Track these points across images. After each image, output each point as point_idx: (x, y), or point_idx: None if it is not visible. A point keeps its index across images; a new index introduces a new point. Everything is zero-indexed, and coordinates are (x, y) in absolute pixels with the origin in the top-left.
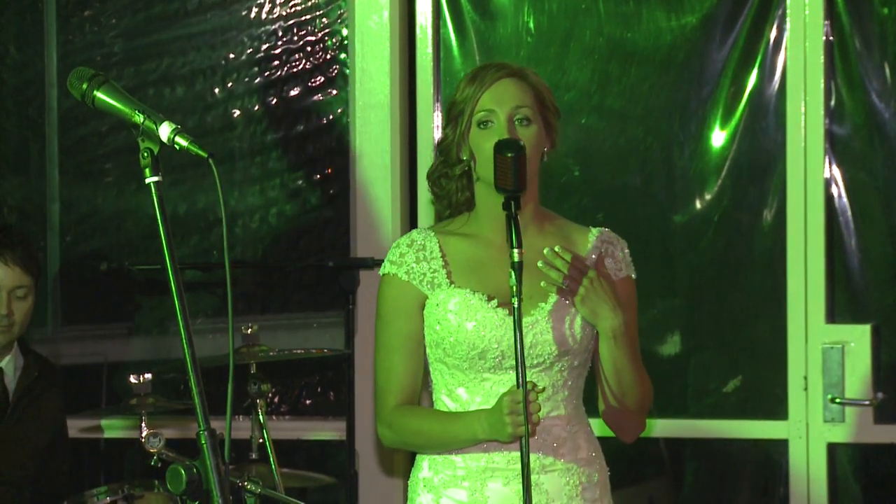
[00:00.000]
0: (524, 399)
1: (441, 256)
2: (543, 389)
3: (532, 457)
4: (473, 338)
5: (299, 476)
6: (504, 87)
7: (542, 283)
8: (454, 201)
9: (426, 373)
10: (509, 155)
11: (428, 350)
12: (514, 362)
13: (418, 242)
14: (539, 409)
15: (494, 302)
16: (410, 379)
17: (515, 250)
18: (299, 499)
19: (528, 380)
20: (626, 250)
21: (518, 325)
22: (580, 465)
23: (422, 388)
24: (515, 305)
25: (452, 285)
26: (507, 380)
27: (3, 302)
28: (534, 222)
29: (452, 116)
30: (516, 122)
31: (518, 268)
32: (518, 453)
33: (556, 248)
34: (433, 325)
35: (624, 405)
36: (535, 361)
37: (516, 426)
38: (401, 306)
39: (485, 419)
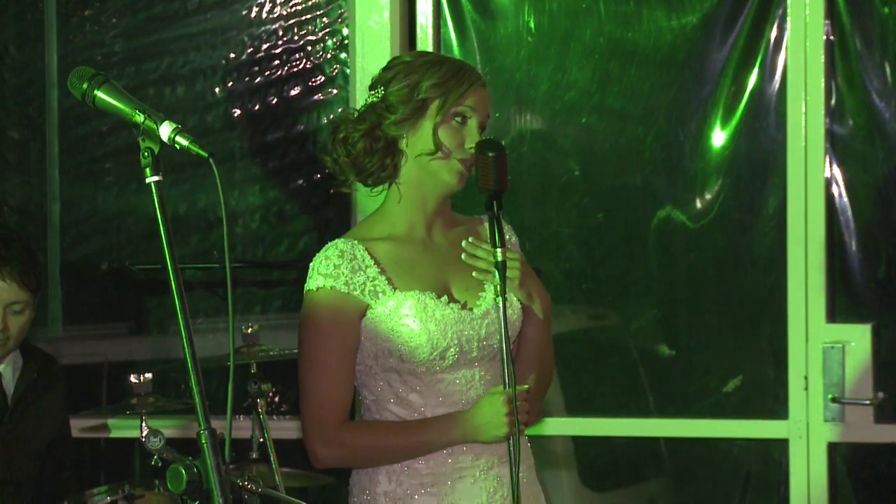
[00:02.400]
0: (514, 398)
1: (375, 263)
2: (528, 388)
3: (490, 449)
4: (436, 338)
5: (300, 475)
6: (483, 96)
7: (474, 274)
8: (365, 170)
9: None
10: (490, 154)
11: (371, 362)
12: (469, 358)
13: (347, 252)
14: (528, 409)
15: (445, 298)
16: (349, 394)
17: (499, 250)
18: (300, 498)
19: (477, 373)
20: (514, 234)
21: (504, 323)
22: (525, 453)
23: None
24: (500, 305)
25: (397, 290)
26: (461, 377)
27: None
28: (444, 215)
29: (417, 99)
30: (481, 130)
31: (501, 267)
32: (481, 450)
33: (471, 240)
34: (384, 335)
35: (540, 386)
36: (486, 353)
37: (511, 426)
38: (341, 319)
39: (467, 422)
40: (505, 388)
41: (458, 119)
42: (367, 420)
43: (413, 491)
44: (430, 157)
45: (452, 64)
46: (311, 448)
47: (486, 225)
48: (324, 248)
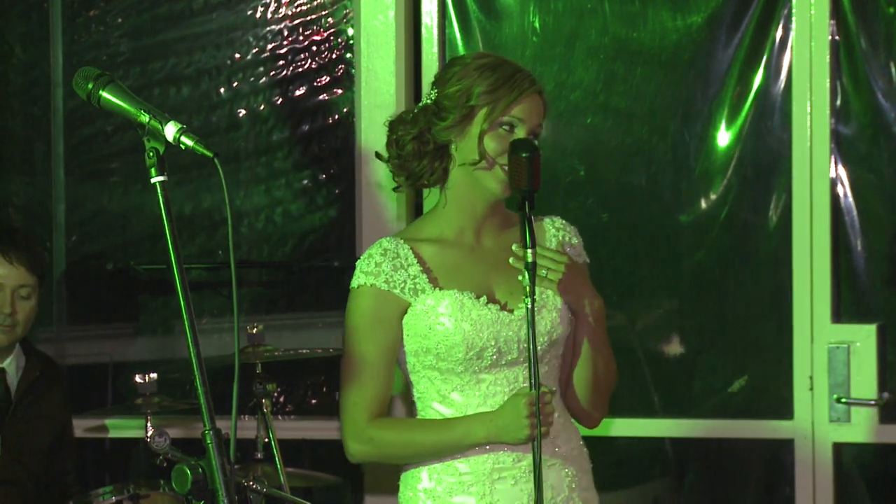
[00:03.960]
0: (538, 400)
1: (417, 262)
2: (555, 391)
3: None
4: (471, 338)
5: (305, 476)
6: (535, 104)
7: (520, 278)
8: (416, 174)
9: (405, 384)
10: (524, 155)
11: (413, 359)
12: (509, 359)
13: (391, 250)
14: (553, 411)
15: (484, 299)
16: (386, 393)
17: (529, 250)
18: (305, 498)
19: (521, 375)
20: (579, 237)
21: (531, 325)
22: (574, 454)
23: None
24: (528, 306)
25: (438, 288)
26: (502, 378)
27: (7, 300)
28: (497, 217)
29: (467, 104)
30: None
31: (532, 268)
32: (524, 452)
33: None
34: (422, 332)
35: (598, 388)
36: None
37: (533, 428)
38: (381, 317)
39: (491, 422)
40: (531, 389)
41: (506, 128)
42: (398, 417)
43: (452, 490)
44: (475, 166)
45: (505, 70)
46: (344, 443)
47: (545, 225)
48: (370, 247)
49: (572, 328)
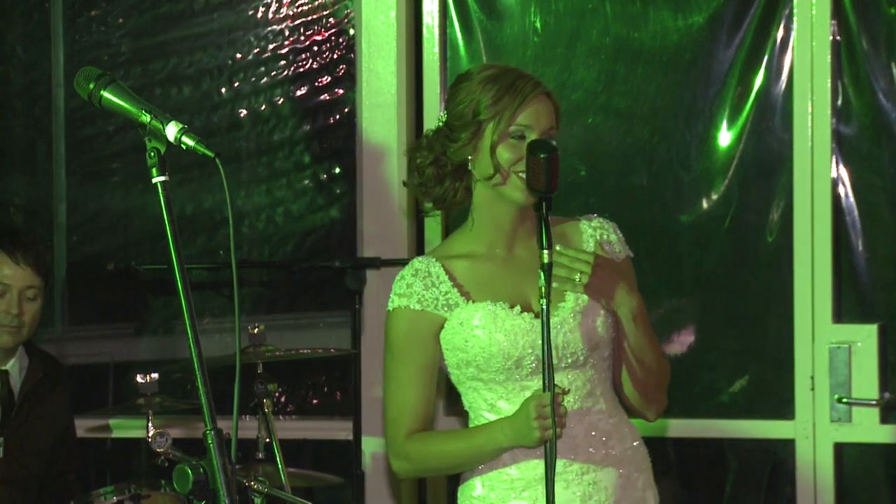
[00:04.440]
0: (552, 402)
1: (449, 279)
2: (569, 391)
3: (585, 455)
4: (508, 348)
5: (306, 476)
6: (542, 107)
7: (555, 284)
8: (442, 197)
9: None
10: (542, 156)
11: (456, 371)
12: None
13: (423, 270)
14: (566, 413)
15: (518, 308)
16: (424, 409)
17: (545, 252)
18: (306, 499)
19: (564, 379)
20: (618, 231)
21: (546, 325)
22: (629, 454)
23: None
24: (543, 307)
25: (471, 301)
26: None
27: (14, 301)
28: (530, 222)
29: (475, 120)
30: None
31: (548, 269)
32: (574, 457)
33: (558, 248)
34: (460, 345)
35: (647, 385)
36: (570, 360)
37: (543, 430)
38: (414, 336)
39: (508, 426)
40: (544, 391)
41: (516, 137)
42: (432, 431)
43: (505, 496)
44: (491, 180)
45: (507, 78)
46: (388, 460)
47: (581, 226)
48: (403, 268)
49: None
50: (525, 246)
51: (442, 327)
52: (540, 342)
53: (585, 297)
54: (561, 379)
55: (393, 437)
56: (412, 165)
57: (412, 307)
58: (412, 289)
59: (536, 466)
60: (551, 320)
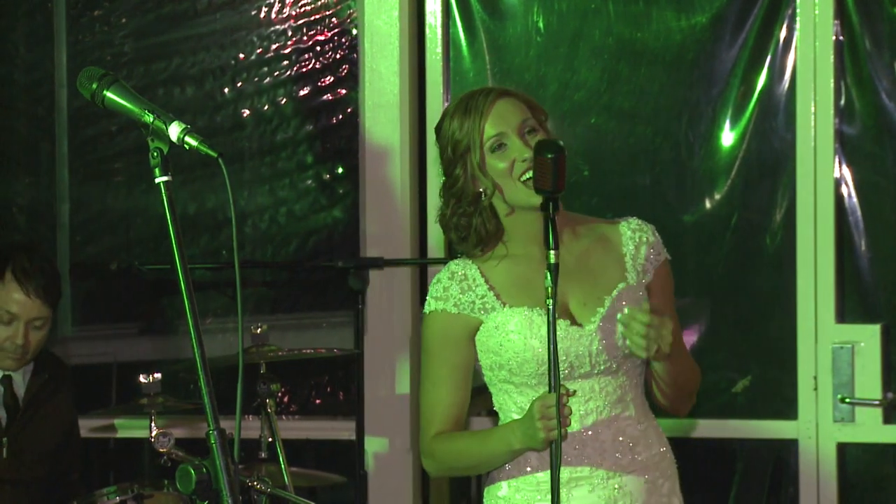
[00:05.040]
0: (557, 403)
1: (485, 282)
2: (574, 393)
3: (611, 460)
4: (542, 354)
5: (308, 475)
6: (503, 108)
7: (628, 343)
8: (483, 235)
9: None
10: (549, 156)
11: (489, 373)
12: (582, 372)
13: (459, 273)
14: (571, 413)
15: None
16: (455, 410)
17: (552, 252)
18: (308, 498)
19: (596, 385)
20: (657, 234)
21: (552, 327)
22: (655, 460)
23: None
24: (550, 307)
25: (506, 306)
26: (577, 388)
27: (21, 332)
28: (566, 226)
29: (458, 155)
30: (528, 135)
31: (554, 269)
32: (601, 462)
33: (627, 311)
34: (494, 348)
35: (681, 394)
36: (603, 367)
37: (548, 431)
38: (448, 338)
39: (518, 428)
40: (550, 392)
41: (495, 150)
42: (457, 431)
43: (531, 498)
44: (496, 195)
45: (462, 104)
46: (421, 458)
47: (620, 228)
48: (440, 271)
49: None
50: (564, 247)
51: (477, 329)
52: (573, 350)
53: (623, 305)
54: (592, 385)
55: (423, 435)
56: (444, 227)
57: (448, 310)
58: (448, 292)
59: (562, 472)
60: (587, 327)
